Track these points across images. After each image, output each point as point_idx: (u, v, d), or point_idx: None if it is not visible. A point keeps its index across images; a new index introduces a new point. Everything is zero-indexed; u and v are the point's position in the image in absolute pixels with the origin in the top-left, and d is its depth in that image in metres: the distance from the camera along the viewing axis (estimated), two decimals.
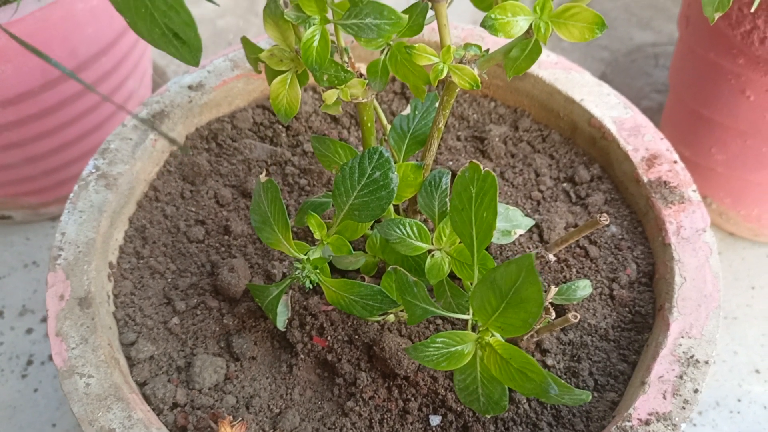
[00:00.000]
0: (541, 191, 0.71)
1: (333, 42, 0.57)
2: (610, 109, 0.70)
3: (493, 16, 0.46)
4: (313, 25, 0.49)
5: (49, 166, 0.92)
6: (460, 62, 0.51)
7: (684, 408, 0.54)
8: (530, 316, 0.46)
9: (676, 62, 0.97)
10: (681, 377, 0.55)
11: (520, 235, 0.67)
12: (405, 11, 0.50)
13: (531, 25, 0.47)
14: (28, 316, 0.92)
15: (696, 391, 0.55)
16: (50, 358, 0.88)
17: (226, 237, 0.67)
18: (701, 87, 0.91)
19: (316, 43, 0.49)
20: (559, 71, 0.73)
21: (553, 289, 0.51)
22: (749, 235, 1.00)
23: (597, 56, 1.23)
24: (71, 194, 0.65)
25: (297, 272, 0.54)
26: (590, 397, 0.50)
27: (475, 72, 0.50)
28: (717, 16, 0.45)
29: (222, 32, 1.26)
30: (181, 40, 0.37)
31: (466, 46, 0.52)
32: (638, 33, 1.26)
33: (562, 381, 0.50)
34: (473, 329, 0.51)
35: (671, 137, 1.01)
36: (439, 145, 0.74)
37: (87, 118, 0.89)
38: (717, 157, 0.93)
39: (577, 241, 0.67)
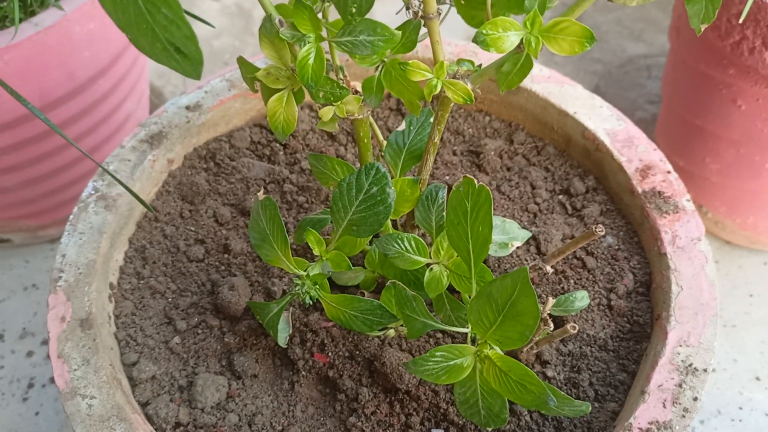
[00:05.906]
0: (537, 204, 0.71)
1: (328, 61, 0.58)
2: (603, 121, 0.71)
3: (484, 31, 0.47)
4: (309, 43, 0.50)
5: (47, 188, 0.92)
6: (454, 77, 0.51)
7: (684, 416, 0.54)
8: (527, 328, 0.46)
9: (668, 73, 0.98)
10: (680, 386, 0.56)
11: (518, 248, 0.67)
12: (398, 28, 0.51)
13: (522, 39, 0.48)
14: (29, 338, 0.92)
15: (695, 399, 0.55)
16: (51, 380, 0.88)
17: (226, 255, 0.68)
18: (693, 97, 0.91)
19: (311, 61, 0.50)
20: (552, 85, 0.74)
21: (551, 301, 0.51)
22: (746, 243, 1.01)
23: (590, 69, 1.24)
24: (71, 216, 0.65)
25: (297, 288, 0.54)
26: (590, 409, 0.50)
27: (468, 87, 0.51)
28: (703, 27, 0.46)
29: (218, 53, 1.27)
30: (183, 54, 0.38)
31: (459, 61, 0.53)
32: (630, 45, 1.28)
33: (562, 392, 0.50)
34: (473, 342, 0.51)
35: (665, 147, 1.01)
36: (436, 159, 0.75)
37: (84, 140, 0.90)
38: (711, 167, 0.94)
39: (575, 252, 0.67)
